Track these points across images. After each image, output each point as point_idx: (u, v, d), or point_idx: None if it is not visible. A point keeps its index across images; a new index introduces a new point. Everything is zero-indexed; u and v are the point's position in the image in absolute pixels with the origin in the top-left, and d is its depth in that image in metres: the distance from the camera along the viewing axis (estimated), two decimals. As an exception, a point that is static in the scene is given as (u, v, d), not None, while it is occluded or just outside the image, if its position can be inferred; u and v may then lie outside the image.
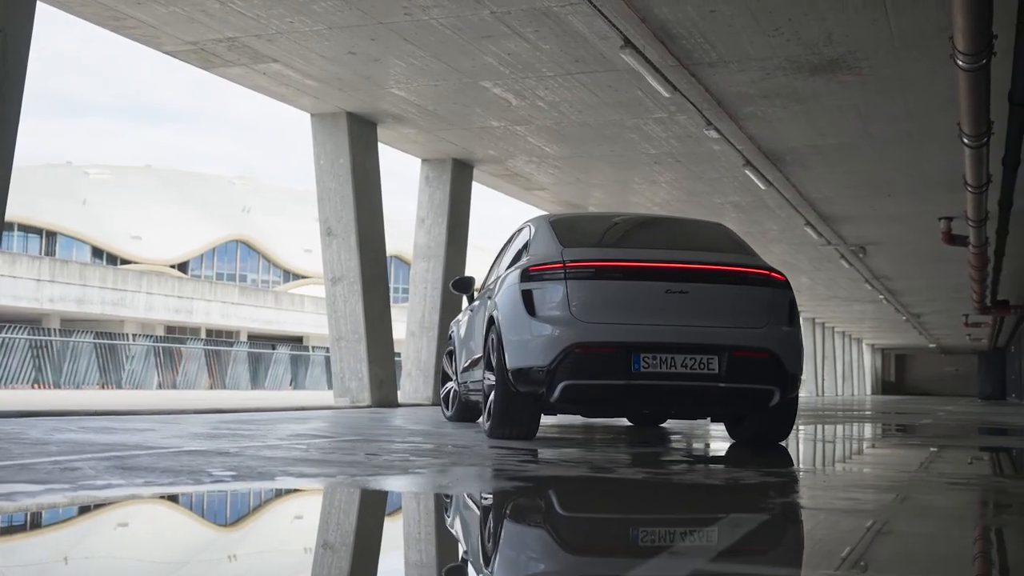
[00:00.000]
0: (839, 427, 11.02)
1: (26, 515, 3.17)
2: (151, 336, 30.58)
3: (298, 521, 3.35)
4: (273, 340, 48.00)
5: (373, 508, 3.61)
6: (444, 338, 14.47)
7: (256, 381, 29.10)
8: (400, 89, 11.43)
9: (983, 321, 37.31)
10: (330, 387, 32.74)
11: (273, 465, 4.56)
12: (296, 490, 3.91)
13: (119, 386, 24.54)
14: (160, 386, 25.83)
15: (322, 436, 6.82)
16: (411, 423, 9.22)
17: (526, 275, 6.74)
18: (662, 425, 9.69)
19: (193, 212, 72.12)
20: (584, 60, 10.28)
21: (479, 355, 8.31)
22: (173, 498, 3.60)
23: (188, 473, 4.14)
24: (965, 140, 11.19)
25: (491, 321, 7.18)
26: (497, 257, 9.12)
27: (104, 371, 24.27)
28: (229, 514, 3.45)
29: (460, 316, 9.57)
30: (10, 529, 2.99)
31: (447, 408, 9.81)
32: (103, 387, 24.18)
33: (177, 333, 47.43)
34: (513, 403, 6.77)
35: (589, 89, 11.23)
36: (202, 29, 9.70)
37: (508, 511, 3.55)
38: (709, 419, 8.07)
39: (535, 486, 4.14)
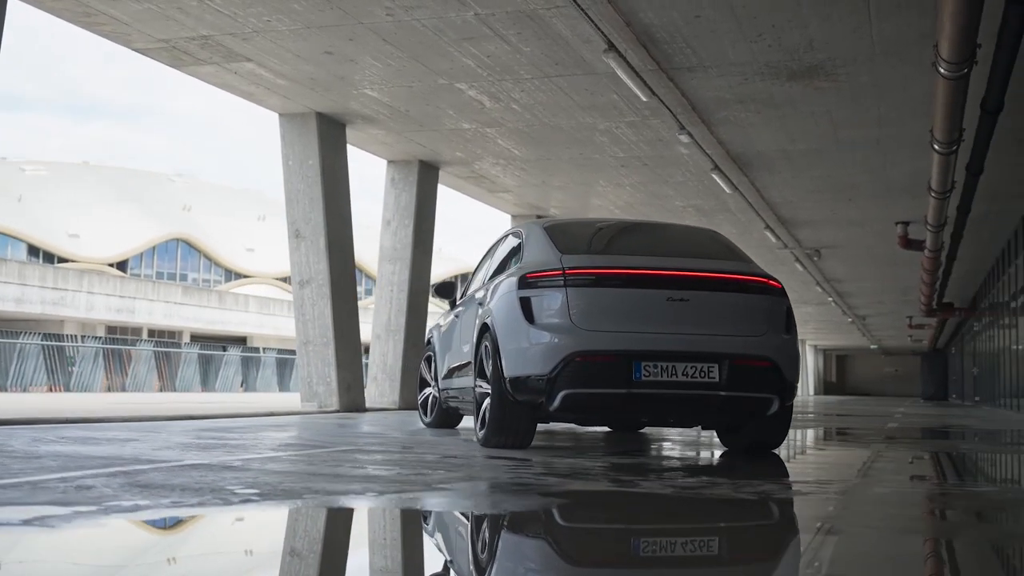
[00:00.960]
0: (812, 431, 11.07)
1: (75, 542, 3.00)
2: (100, 338, 29.99)
3: (374, 547, 3.22)
4: (217, 340, 47.38)
5: (438, 532, 3.49)
6: (411, 341, 14.33)
7: (206, 383, 28.63)
8: (373, 90, 11.27)
9: (927, 323, 37.93)
10: (281, 389, 32.44)
11: (290, 481, 4.42)
12: (340, 510, 3.76)
13: (67, 388, 23.97)
14: (109, 388, 25.30)
15: (314, 446, 6.66)
16: (391, 430, 9.07)
17: (524, 282, 6.64)
18: (640, 431, 9.66)
19: (132, 210, 71.03)
20: (563, 63, 10.20)
21: (463, 362, 8.19)
22: (215, 521, 3.45)
23: (210, 491, 3.98)
24: (936, 146, 11.30)
25: (485, 328, 7.07)
26: (480, 263, 9.01)
27: (51, 373, 23.70)
28: (287, 538, 3.30)
29: (440, 321, 9.43)
30: (73, 559, 2.83)
31: (425, 414, 9.67)
32: (51, 389, 23.61)
33: (119, 333, 46.63)
34: (510, 412, 6.67)
35: (565, 92, 11.16)
36: (176, 27, 9.47)
37: (576, 534, 3.46)
38: (699, 426, 8.01)
39: (572, 503, 4.05)
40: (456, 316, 8.54)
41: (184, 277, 76.33)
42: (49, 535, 3.02)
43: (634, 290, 6.46)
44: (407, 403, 14.31)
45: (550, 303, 6.47)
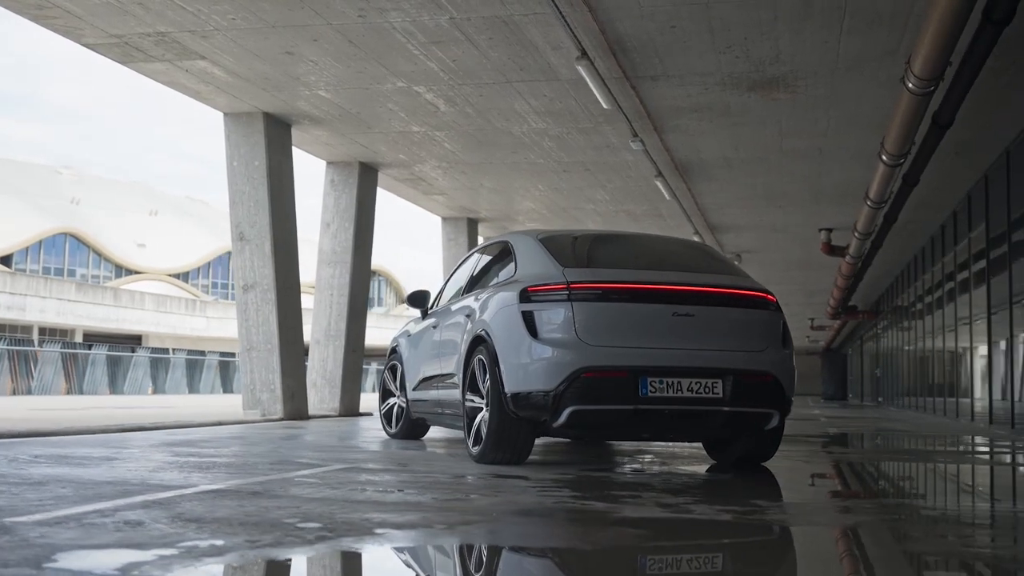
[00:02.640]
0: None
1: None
2: (4, 339, 28.82)
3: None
4: (111, 339, 46.03)
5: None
6: (351, 347, 14.08)
7: (114, 386, 27.67)
8: (328, 91, 10.99)
9: (828, 325, 38.92)
10: (191, 391, 31.61)
11: (339, 511, 4.22)
12: (432, 550, 3.59)
13: (-29, 392, 22.93)
14: (15, 392, 24.26)
15: (308, 465, 6.42)
16: (363, 442, 8.87)
17: (525, 296, 6.51)
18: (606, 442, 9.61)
19: (17, 203, 68.69)
20: (528, 69, 10.10)
21: (440, 373, 8.04)
22: (332, 567, 3.26)
23: (270, 526, 3.78)
24: (884, 157, 11.53)
25: (479, 342, 6.92)
26: (452, 274, 8.86)
27: (-48, 376, 22.61)
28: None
29: (410, 329, 9.24)
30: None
31: (390, 425, 9.48)
32: (-48, 393, 22.53)
33: (7, 331, 44.89)
34: (510, 428, 6.55)
35: (524, 98, 11.05)
36: (133, 22, 9.08)
37: None
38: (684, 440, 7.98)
39: (650, 534, 3.95)
40: (433, 327, 8.35)
41: (72, 273, 74.11)
42: (166, 589, 2.81)
43: (640, 305, 6.40)
44: (348, 410, 14.05)
45: (554, 318, 6.37)
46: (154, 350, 31.06)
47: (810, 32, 8.94)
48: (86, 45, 9.70)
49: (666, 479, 6.07)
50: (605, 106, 10.50)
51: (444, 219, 18.72)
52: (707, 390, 6.34)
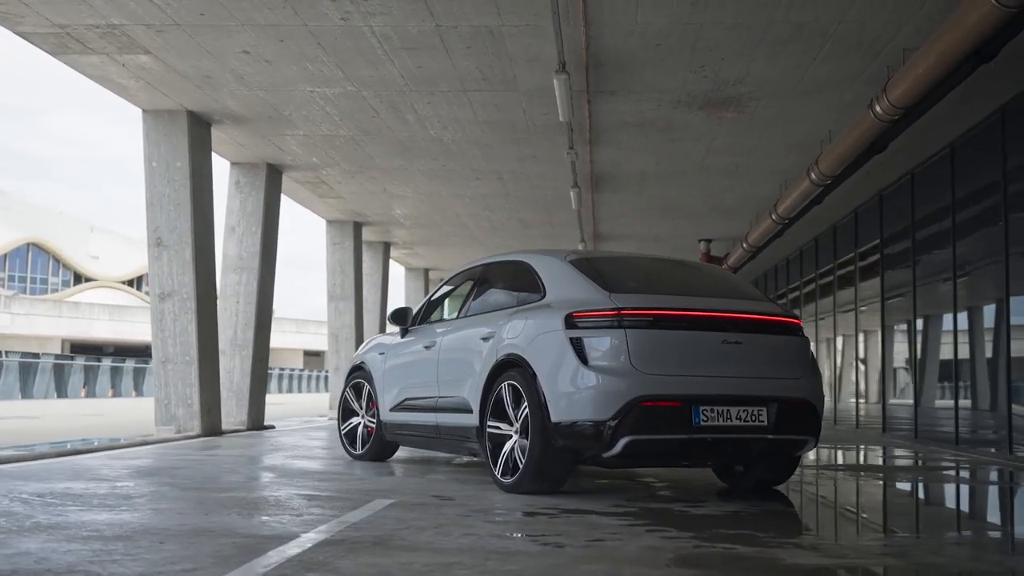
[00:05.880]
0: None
1: None
2: None
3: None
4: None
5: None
6: (258, 357, 13.47)
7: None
8: (267, 92, 10.40)
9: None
10: (24, 396, 29.56)
11: (510, 568, 3.94)
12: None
13: None
14: None
15: (351, 500, 6.03)
16: (327, 464, 8.44)
17: (571, 321, 6.32)
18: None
19: None
20: (490, 79, 9.85)
21: (433, 395, 7.73)
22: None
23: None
24: (813, 176, 11.81)
25: (506, 366, 6.68)
26: (434, 292, 8.56)
27: None
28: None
29: (383, 345, 8.84)
30: None
31: (352, 446, 9.07)
32: None
33: None
34: (553, 458, 6.35)
35: (472, 107, 10.78)
36: (85, 12, 8.32)
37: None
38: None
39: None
40: (426, 347, 7.99)
41: None
42: None
43: (692, 332, 6.32)
44: (255, 423, 13.42)
45: (604, 344, 6.21)
46: (23, 355, 28.77)
47: (787, 56, 9.04)
48: (20, 33, 8.84)
49: (733, 512, 5.96)
50: (562, 119, 10.33)
51: (329, 222, 18.19)
52: (753, 418, 6.33)
